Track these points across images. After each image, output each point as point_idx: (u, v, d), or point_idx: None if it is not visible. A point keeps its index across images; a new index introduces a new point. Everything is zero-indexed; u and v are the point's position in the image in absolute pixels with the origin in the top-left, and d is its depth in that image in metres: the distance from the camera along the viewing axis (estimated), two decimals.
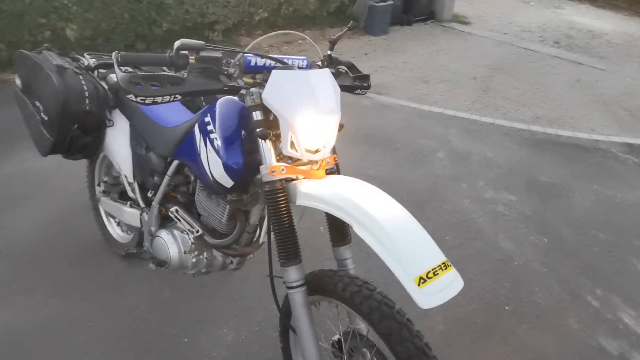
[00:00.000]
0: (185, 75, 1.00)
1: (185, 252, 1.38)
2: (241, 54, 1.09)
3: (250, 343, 1.62)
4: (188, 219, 1.33)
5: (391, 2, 5.91)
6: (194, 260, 1.38)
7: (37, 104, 1.49)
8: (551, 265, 2.01)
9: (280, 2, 5.40)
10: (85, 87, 1.42)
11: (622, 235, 2.23)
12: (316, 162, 1.10)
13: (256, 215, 1.28)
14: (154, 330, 1.66)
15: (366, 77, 1.39)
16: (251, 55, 1.10)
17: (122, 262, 1.97)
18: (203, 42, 1.02)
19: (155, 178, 1.46)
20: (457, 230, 2.22)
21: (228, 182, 1.13)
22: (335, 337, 1.25)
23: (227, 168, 1.11)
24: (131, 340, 1.62)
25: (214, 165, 1.13)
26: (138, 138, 1.50)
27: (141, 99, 0.94)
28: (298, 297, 1.07)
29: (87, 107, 1.41)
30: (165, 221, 1.50)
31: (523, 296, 1.82)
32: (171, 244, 1.38)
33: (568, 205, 2.48)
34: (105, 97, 1.48)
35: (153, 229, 1.51)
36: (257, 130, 1.04)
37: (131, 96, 0.94)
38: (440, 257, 0.86)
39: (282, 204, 1.04)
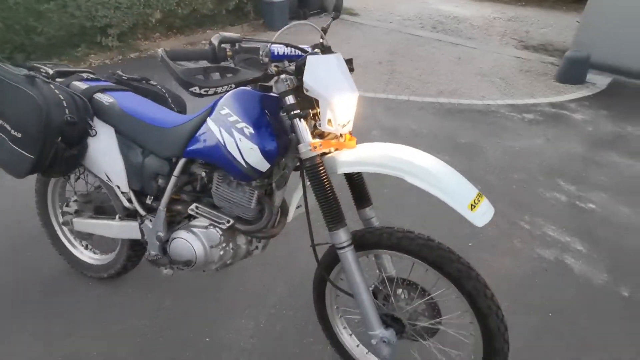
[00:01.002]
0: (234, 65, 1.05)
1: (211, 247, 1.39)
2: (268, 44, 1.17)
3: (272, 325, 1.69)
4: (214, 212, 1.34)
5: None
6: (221, 253, 1.39)
7: (3, 123, 1.31)
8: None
9: (177, 2, 5.17)
10: (61, 97, 1.31)
11: (528, 174, 2.82)
12: (341, 135, 1.24)
13: (280, 196, 1.36)
14: (170, 341, 1.61)
15: (350, 61, 1.55)
16: (275, 45, 1.18)
17: (102, 284, 1.83)
18: (239, 35, 1.07)
19: (160, 181, 1.42)
20: (413, 193, 2.54)
21: (264, 166, 1.20)
22: (371, 288, 1.40)
23: (265, 152, 1.18)
24: (151, 356, 1.55)
25: (248, 152, 1.19)
26: (129, 144, 1.43)
27: (204, 91, 0.96)
28: (349, 255, 1.21)
29: (68, 117, 1.30)
30: (171, 224, 1.47)
31: (478, 233, 2.22)
32: (194, 242, 1.37)
33: (485, 158, 3.01)
34: (84, 105, 1.38)
35: (162, 234, 1.47)
36: (294, 112, 1.13)
37: (195, 89, 0.95)
38: (476, 190, 1.09)
39: (324, 175, 1.16)
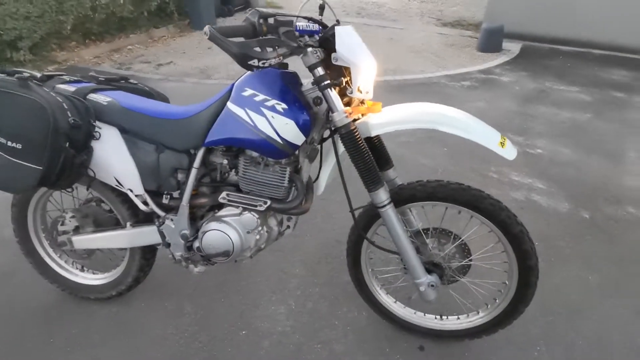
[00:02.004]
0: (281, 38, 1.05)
1: (248, 232, 1.37)
2: (295, 17, 1.18)
3: (302, 305, 1.72)
4: (248, 196, 1.33)
5: None
6: (257, 237, 1.38)
7: None
8: (458, 163, 2.71)
9: (92, 6, 4.75)
10: (59, 99, 1.19)
11: None
12: (362, 101, 1.31)
13: (307, 171, 1.39)
14: (206, 342, 1.56)
15: None
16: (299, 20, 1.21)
17: (108, 304, 1.71)
18: (272, 10, 1.08)
19: (180, 176, 1.37)
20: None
21: (300, 139, 1.23)
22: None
23: (300, 126, 1.20)
24: None
25: (283, 128, 1.20)
26: (138, 143, 1.35)
27: (262, 63, 0.96)
28: (390, 212, 1.29)
29: (72, 120, 1.19)
30: (192, 221, 1.43)
31: None
32: (229, 231, 1.35)
33: None
34: (84, 107, 1.26)
35: (187, 231, 1.42)
36: (326, 82, 1.17)
37: (254, 61, 0.94)
38: (499, 132, 1.22)
39: (360, 140, 1.22)
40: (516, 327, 1.46)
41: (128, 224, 1.48)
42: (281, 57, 1.08)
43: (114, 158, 1.35)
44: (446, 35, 5.64)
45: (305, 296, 1.76)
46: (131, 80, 1.60)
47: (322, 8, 1.50)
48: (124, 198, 1.48)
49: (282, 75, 1.26)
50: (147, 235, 1.48)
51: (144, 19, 5.53)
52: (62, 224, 1.53)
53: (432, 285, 1.35)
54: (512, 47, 5.06)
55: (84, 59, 4.80)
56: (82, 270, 1.74)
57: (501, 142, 1.17)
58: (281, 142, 1.22)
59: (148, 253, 1.59)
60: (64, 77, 1.41)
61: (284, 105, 1.20)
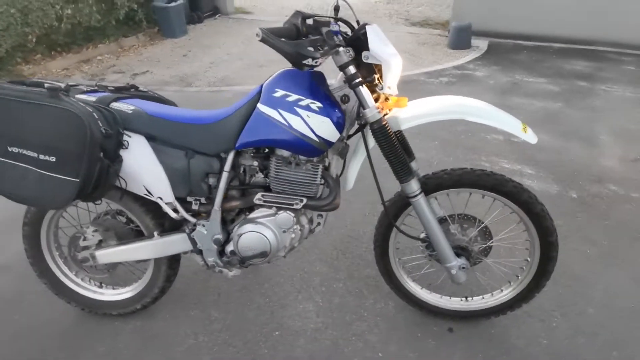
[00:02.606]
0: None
1: (284, 232, 1.39)
2: (332, 18, 1.22)
3: (329, 301, 1.75)
4: (282, 195, 1.35)
5: (181, 1, 5.83)
6: (292, 236, 1.40)
7: (21, 151, 1.11)
8: (451, 154, 2.83)
9: (58, 17, 4.55)
10: (89, 109, 1.16)
11: (467, 125, 3.27)
12: (387, 98, 1.36)
13: (335, 167, 1.43)
14: (241, 346, 1.57)
15: None
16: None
17: (130, 319, 1.67)
18: (310, 12, 1.11)
19: (211, 180, 1.37)
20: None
21: (335, 136, 1.27)
22: (421, 235, 1.56)
23: (335, 123, 1.24)
24: None
25: (319, 126, 1.23)
26: (167, 150, 1.34)
27: (315, 62, 0.99)
28: (421, 201, 1.36)
29: (104, 129, 1.17)
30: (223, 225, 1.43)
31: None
32: (266, 231, 1.36)
33: None
34: (112, 116, 1.24)
35: (220, 236, 1.42)
36: (358, 80, 1.22)
37: (308, 60, 0.97)
38: (519, 120, 1.31)
39: (391, 134, 1.28)
40: (532, 302, 1.55)
41: (155, 233, 1.46)
42: (326, 57, 1.12)
43: (142, 167, 1.33)
44: (417, 35, 5.84)
45: (330, 292, 1.79)
46: (140, 88, 1.58)
47: (337, 9, 1.55)
48: (147, 208, 1.46)
49: (310, 75, 1.30)
50: (176, 243, 1.46)
51: (111, 28, 5.35)
52: (84, 239, 1.49)
53: (463, 268, 1.43)
54: (480, 44, 5.32)
55: (51, 71, 4.58)
56: (100, 286, 1.69)
57: (523, 128, 1.27)
58: (317, 140, 1.25)
59: (174, 262, 1.57)
60: (79, 87, 1.38)
61: (319, 104, 1.24)
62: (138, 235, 1.58)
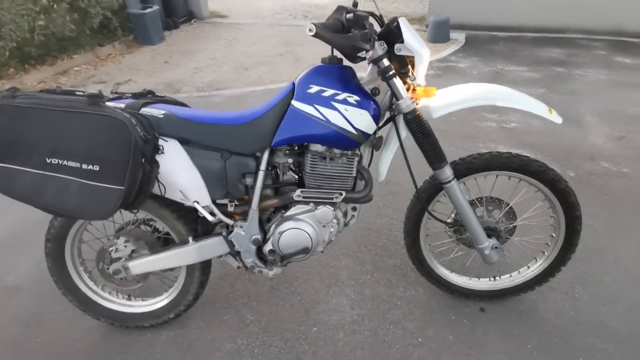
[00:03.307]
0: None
1: (323, 226, 1.40)
2: (369, 13, 1.24)
3: (361, 293, 1.77)
4: (320, 189, 1.36)
5: (157, 7, 5.71)
6: (331, 230, 1.42)
7: (62, 162, 1.07)
8: (451, 143, 2.91)
9: (31, 28, 4.36)
10: (126, 115, 1.14)
11: (459, 115, 3.35)
12: (414, 89, 1.40)
13: (367, 159, 1.46)
14: (282, 345, 1.57)
15: None
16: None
17: (162, 329, 1.64)
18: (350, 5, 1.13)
19: (248, 180, 1.36)
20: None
21: (373, 128, 1.29)
22: (450, 219, 1.61)
23: (373, 115, 1.27)
24: None
25: (358, 118, 1.25)
26: (201, 152, 1.32)
27: (367, 55, 1.01)
28: (455, 186, 1.40)
29: (142, 134, 1.15)
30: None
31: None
32: (306, 227, 1.37)
33: None
34: (147, 122, 1.21)
35: (258, 236, 1.41)
36: (392, 72, 1.24)
37: (362, 53, 1.00)
38: (544, 103, 1.37)
39: (425, 123, 1.32)
40: (585, 275, 1.62)
41: (190, 238, 1.44)
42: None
43: (178, 171, 1.31)
44: None
45: (360, 284, 1.81)
46: (156, 94, 1.55)
47: (355, 5, 1.57)
48: (179, 214, 1.43)
49: (342, 70, 1.32)
50: (213, 247, 1.44)
51: (86, 37, 5.17)
52: (116, 251, 1.45)
53: (495, 248, 1.49)
54: (458, 37, 5.48)
55: (27, 85, 4.38)
56: (129, 298, 1.64)
57: (549, 110, 1.33)
58: (356, 132, 1.27)
59: (207, 267, 1.55)
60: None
61: (356, 97, 1.26)
62: (165, 243, 1.56)
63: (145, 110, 1.29)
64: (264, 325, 1.64)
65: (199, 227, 1.48)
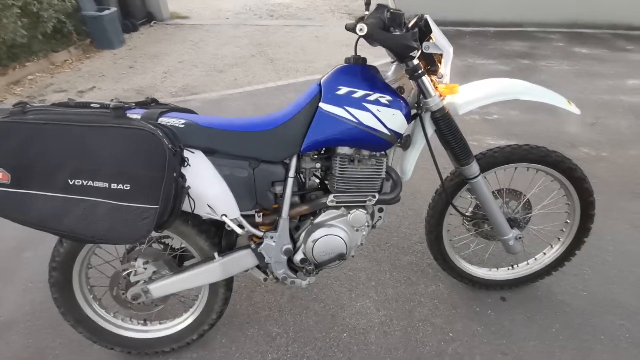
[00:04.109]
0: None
1: (356, 230, 1.37)
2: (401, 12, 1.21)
3: (383, 293, 1.76)
4: (352, 193, 1.32)
5: (114, 8, 5.38)
6: (363, 232, 1.39)
7: (87, 183, 0.96)
8: None
9: None
10: (151, 126, 1.04)
11: None
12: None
13: (392, 159, 1.44)
14: (314, 356, 1.53)
15: None
16: None
17: (187, 351, 1.55)
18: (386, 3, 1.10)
19: (277, 189, 1.30)
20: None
21: (404, 127, 1.27)
22: (469, 212, 1.63)
23: (405, 114, 1.25)
24: None
25: (390, 119, 1.23)
26: (227, 162, 1.24)
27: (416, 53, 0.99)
28: (481, 181, 1.42)
29: (170, 146, 1.06)
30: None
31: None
32: (340, 232, 1.33)
33: None
34: (171, 132, 1.12)
35: (289, 246, 1.36)
36: (421, 70, 1.23)
37: (414, 52, 0.97)
38: (563, 96, 1.42)
39: (452, 119, 1.32)
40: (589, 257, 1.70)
41: (215, 254, 1.35)
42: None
43: (205, 184, 1.22)
44: None
45: (381, 285, 1.80)
46: (161, 101, 1.45)
47: (367, 4, 1.54)
48: (199, 229, 1.34)
49: (368, 69, 1.29)
50: (240, 261, 1.37)
51: (38, 43, 4.76)
52: (135, 274, 1.33)
53: (518, 238, 1.52)
54: None
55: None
56: (145, 323, 1.53)
57: (568, 102, 1.38)
58: (389, 133, 1.25)
59: (231, 282, 1.47)
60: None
61: (388, 97, 1.23)
62: (181, 261, 1.46)
63: (163, 120, 1.20)
64: (292, 336, 1.59)
65: (222, 242, 1.40)
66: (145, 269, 1.33)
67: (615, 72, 4.14)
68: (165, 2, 6.77)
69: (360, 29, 1.03)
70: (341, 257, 1.35)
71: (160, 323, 1.53)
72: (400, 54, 1.12)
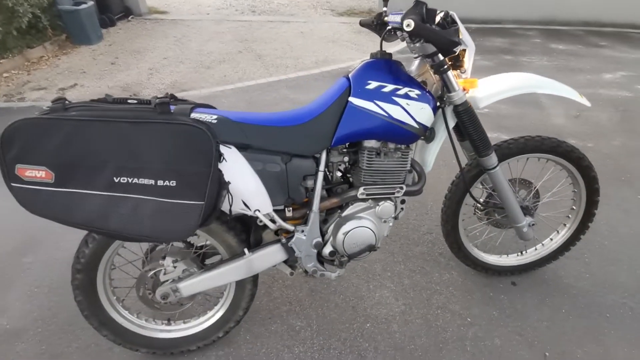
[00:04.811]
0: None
1: (384, 222, 1.40)
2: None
3: (400, 283, 1.80)
4: (382, 185, 1.35)
5: (92, 2, 5.17)
6: (390, 224, 1.43)
7: (132, 180, 0.94)
8: None
9: None
10: (198, 122, 1.03)
11: None
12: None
13: (413, 152, 1.48)
14: (341, 347, 1.55)
15: None
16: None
17: (211, 349, 1.55)
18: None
19: (308, 182, 1.31)
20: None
21: (431, 120, 1.31)
22: (482, 199, 1.69)
23: (432, 107, 1.29)
24: None
25: (419, 112, 1.26)
26: (261, 157, 1.24)
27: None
28: (499, 171, 1.48)
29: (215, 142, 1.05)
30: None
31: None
32: (369, 224, 1.36)
33: None
34: (208, 127, 1.11)
35: (319, 239, 1.37)
36: (447, 65, 1.27)
37: (458, 47, 1.00)
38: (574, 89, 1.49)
39: (474, 113, 1.37)
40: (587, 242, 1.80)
41: (246, 250, 1.35)
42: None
43: (239, 179, 1.21)
44: (349, 24, 6.03)
45: (397, 275, 1.84)
46: (177, 96, 1.43)
47: (385, 3, 1.57)
48: (228, 226, 1.34)
49: (394, 64, 1.32)
50: (271, 256, 1.37)
51: (13, 38, 4.53)
52: (165, 273, 1.31)
53: (532, 225, 1.60)
54: None
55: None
56: (169, 323, 1.50)
57: (580, 95, 1.45)
58: (417, 126, 1.28)
59: (256, 278, 1.47)
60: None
61: (417, 91, 1.26)
62: (203, 259, 1.45)
63: (195, 116, 1.19)
64: (316, 329, 1.61)
65: (251, 238, 1.40)
66: (175, 267, 1.32)
67: (592, 67, 4.36)
68: None
69: (408, 25, 1.06)
70: (371, 248, 1.38)
71: (184, 322, 1.51)
72: (445, 49, 1.15)
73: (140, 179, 0.96)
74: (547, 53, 4.76)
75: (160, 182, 0.97)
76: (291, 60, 4.60)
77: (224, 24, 6.10)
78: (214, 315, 1.50)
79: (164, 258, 1.33)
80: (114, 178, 0.95)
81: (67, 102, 0.96)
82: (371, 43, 5.19)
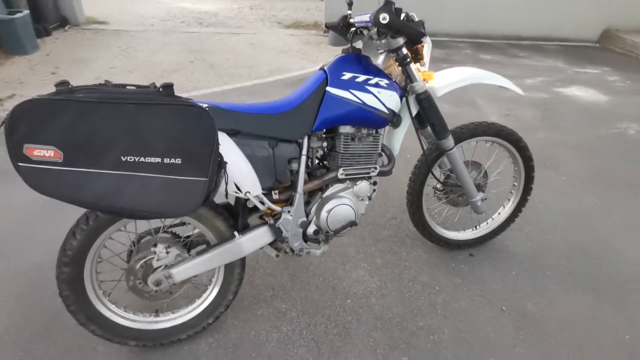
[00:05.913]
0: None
1: (361, 200, 1.55)
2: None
3: (373, 263, 1.96)
4: (358, 166, 1.49)
5: (27, 11, 4.88)
6: (366, 203, 1.57)
7: (139, 159, 0.99)
8: None
9: None
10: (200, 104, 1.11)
11: None
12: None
13: (383, 136, 1.65)
14: (326, 324, 1.65)
15: None
16: None
17: (201, 337, 1.58)
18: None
19: (293, 165, 1.42)
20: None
21: (399, 107, 1.49)
22: (439, 185, 1.92)
23: (399, 95, 1.47)
24: (328, 339, 1.57)
25: (389, 99, 1.44)
26: (249, 142, 1.33)
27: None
28: (456, 152, 1.70)
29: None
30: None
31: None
32: (349, 202, 1.50)
33: None
34: (204, 112, 1.18)
35: (305, 219, 1.48)
36: (409, 59, 1.47)
37: (425, 38, 1.17)
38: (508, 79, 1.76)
39: (433, 100, 1.58)
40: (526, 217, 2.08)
41: (236, 233, 1.42)
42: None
43: (231, 163, 1.30)
44: (297, 36, 6.25)
45: (369, 256, 1.99)
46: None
47: (350, 4, 1.75)
48: (216, 211, 1.41)
49: (364, 58, 1.49)
50: (259, 237, 1.46)
51: None
52: (158, 259, 1.34)
53: (484, 199, 1.84)
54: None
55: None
56: (157, 314, 1.51)
57: (514, 84, 1.73)
58: (387, 112, 1.45)
59: (244, 262, 1.54)
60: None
61: (386, 81, 1.44)
62: (189, 248, 1.50)
63: None
64: (301, 309, 1.69)
65: (239, 221, 1.47)
66: (168, 252, 1.35)
67: (515, 73, 4.95)
68: (81, 6, 6.31)
69: (384, 18, 1.22)
70: (352, 223, 1.52)
71: (173, 312, 1.53)
72: (414, 39, 1.33)
73: (147, 158, 1.01)
74: (477, 62, 5.32)
75: (166, 160, 1.02)
76: (245, 70, 4.68)
77: (171, 35, 6.03)
78: (205, 301, 1.53)
79: (155, 246, 1.36)
80: (122, 157, 0.99)
81: (70, 85, 0.99)
82: (320, 54, 5.44)
